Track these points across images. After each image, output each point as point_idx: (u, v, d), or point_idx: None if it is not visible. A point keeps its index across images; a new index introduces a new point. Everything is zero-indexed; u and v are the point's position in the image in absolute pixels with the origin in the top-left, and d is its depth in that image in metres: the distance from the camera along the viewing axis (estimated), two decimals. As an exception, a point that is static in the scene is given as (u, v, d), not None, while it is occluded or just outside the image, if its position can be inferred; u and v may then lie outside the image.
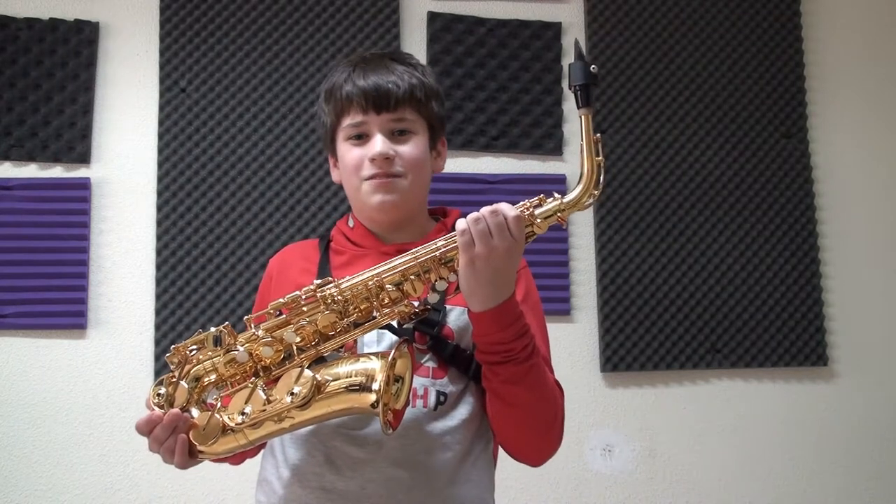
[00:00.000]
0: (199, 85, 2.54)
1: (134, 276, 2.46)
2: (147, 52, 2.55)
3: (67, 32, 2.51)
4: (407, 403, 1.17)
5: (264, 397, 1.12)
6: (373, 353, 1.16)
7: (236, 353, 1.16)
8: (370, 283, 1.16)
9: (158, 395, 1.16)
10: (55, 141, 2.47)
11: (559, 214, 1.16)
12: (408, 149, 1.31)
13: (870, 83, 2.83)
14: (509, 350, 1.16)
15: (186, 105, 2.52)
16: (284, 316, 1.18)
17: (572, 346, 2.58)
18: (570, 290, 2.59)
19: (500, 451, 1.34)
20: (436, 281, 1.16)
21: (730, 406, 2.63)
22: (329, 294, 1.16)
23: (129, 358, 2.43)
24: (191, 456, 1.14)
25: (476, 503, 1.26)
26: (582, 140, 1.14)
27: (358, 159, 1.30)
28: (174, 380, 1.16)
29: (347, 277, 1.17)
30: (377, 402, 1.09)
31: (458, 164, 2.59)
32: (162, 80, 2.53)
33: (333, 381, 1.12)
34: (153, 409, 1.15)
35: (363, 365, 1.12)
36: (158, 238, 2.46)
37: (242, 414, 1.12)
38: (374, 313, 1.18)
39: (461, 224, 1.13)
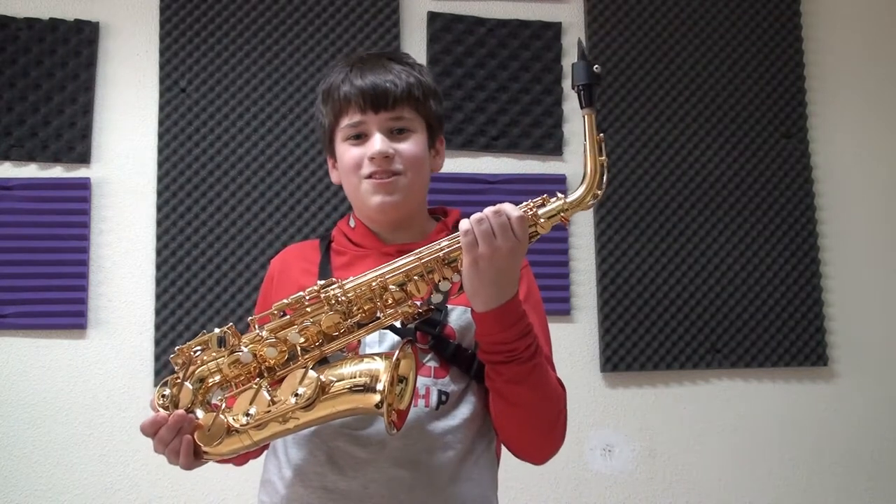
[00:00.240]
0: (199, 85, 2.54)
1: (134, 276, 2.46)
2: (147, 52, 2.55)
3: (67, 32, 2.50)
4: (411, 403, 1.17)
5: (269, 398, 1.12)
6: (377, 354, 1.15)
7: (240, 353, 1.16)
8: (374, 283, 1.16)
9: (163, 396, 1.16)
10: (55, 141, 2.46)
11: (562, 214, 1.16)
12: (407, 147, 1.31)
13: (870, 83, 2.83)
14: (512, 350, 1.16)
15: (186, 105, 2.52)
16: (288, 317, 1.18)
17: (572, 346, 2.58)
18: (570, 290, 2.60)
19: (503, 450, 1.34)
20: (439, 281, 1.16)
21: (730, 406, 2.63)
22: (333, 295, 1.16)
23: (129, 358, 2.42)
24: (196, 457, 1.14)
25: (479, 502, 1.26)
26: (585, 140, 1.15)
27: (357, 158, 1.30)
28: (179, 381, 1.16)
29: (351, 278, 1.18)
30: (381, 402, 1.09)
31: (458, 164, 2.59)
32: (162, 80, 2.53)
33: (338, 381, 1.12)
34: (158, 411, 1.15)
35: (367, 365, 1.12)
36: (158, 238, 2.46)
37: (247, 415, 1.12)
38: (378, 314, 1.18)
39: (464, 224, 1.13)
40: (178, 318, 2.43)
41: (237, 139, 2.53)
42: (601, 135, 1.15)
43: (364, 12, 2.61)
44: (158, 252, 2.46)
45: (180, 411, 1.13)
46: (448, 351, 1.24)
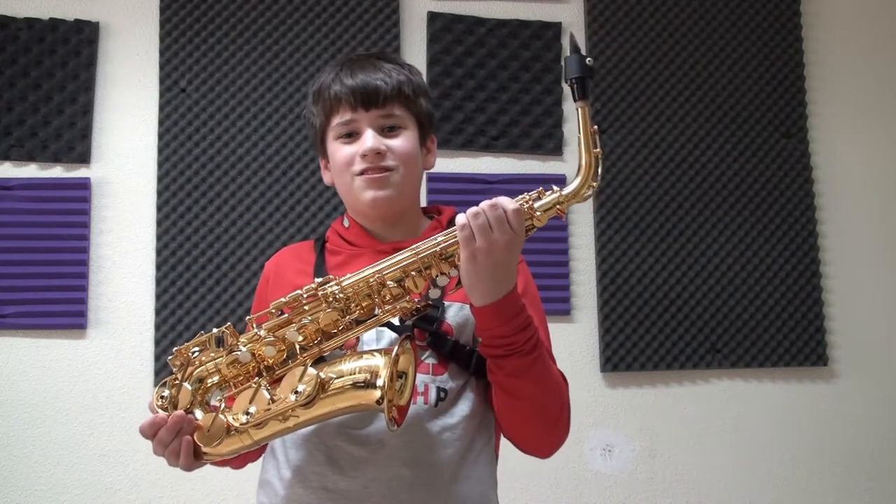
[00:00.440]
0: (199, 85, 2.54)
1: (134, 276, 2.46)
2: (147, 52, 2.55)
3: (67, 32, 2.50)
4: (411, 399, 1.17)
5: (268, 397, 1.12)
6: (376, 350, 1.15)
7: (239, 353, 1.16)
8: (371, 279, 1.16)
9: (162, 397, 1.15)
10: (55, 141, 2.46)
11: (558, 206, 1.16)
12: (398, 143, 1.31)
13: (870, 83, 2.83)
14: (512, 343, 1.16)
15: (186, 105, 2.52)
16: (286, 315, 1.17)
17: (572, 346, 2.58)
18: (570, 290, 2.59)
19: (503, 446, 1.34)
20: (436, 276, 1.16)
21: (730, 406, 2.63)
22: (331, 292, 1.16)
23: (129, 358, 2.42)
24: (196, 458, 1.14)
25: (479, 500, 1.26)
26: (579, 132, 1.15)
27: (349, 156, 1.30)
28: (177, 382, 1.15)
29: (349, 275, 1.17)
30: (382, 398, 1.09)
31: (458, 164, 2.59)
32: (162, 80, 2.53)
33: (337, 378, 1.12)
34: (157, 412, 1.14)
35: (366, 362, 1.12)
36: (158, 238, 2.46)
37: (247, 414, 1.11)
38: (376, 310, 1.17)
39: (461, 219, 1.13)
40: (178, 319, 2.43)
41: (237, 139, 2.53)
42: (595, 127, 1.15)
43: (364, 12, 2.61)
44: (158, 252, 2.46)
45: (179, 412, 1.13)
46: (446, 347, 1.24)
